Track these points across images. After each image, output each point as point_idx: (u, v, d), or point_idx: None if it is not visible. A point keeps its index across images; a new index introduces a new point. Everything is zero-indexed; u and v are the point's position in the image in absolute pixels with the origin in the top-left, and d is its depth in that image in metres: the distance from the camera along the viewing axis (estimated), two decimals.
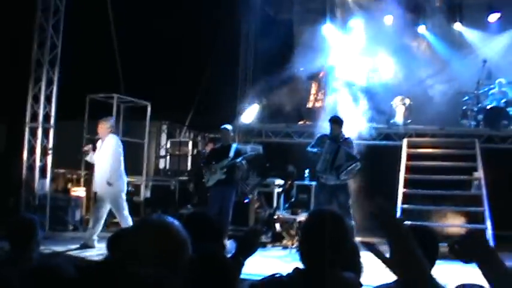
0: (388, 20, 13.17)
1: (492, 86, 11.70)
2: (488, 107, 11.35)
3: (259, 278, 2.65)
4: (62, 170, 12.00)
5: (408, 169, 10.25)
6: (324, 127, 9.75)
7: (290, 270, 2.54)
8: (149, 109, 12.25)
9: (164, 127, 15.11)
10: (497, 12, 12.88)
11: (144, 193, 12.09)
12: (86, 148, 8.88)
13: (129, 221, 8.34)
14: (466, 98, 11.86)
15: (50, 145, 10.16)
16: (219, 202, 8.80)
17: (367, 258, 3.44)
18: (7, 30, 11.78)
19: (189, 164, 13.26)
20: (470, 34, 13.26)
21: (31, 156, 10.02)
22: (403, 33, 12.73)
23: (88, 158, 8.87)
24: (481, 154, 10.22)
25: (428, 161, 10.50)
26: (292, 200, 10.73)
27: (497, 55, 12.46)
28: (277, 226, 9.82)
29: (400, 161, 10.40)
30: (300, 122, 12.93)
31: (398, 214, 9.32)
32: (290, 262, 5.83)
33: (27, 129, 10.06)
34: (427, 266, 1.75)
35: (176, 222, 1.67)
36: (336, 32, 13.29)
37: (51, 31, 10.07)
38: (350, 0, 13.48)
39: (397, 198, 9.62)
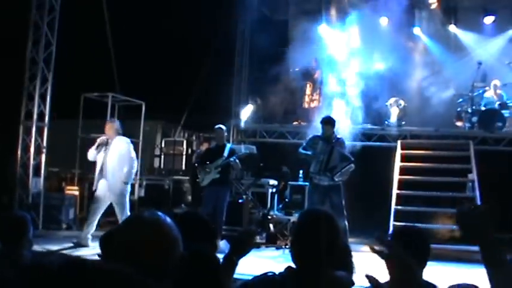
0: (384, 21, 13.22)
1: (487, 88, 11.76)
2: (482, 109, 11.40)
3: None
4: (56, 169, 11.96)
5: (402, 170, 10.27)
6: (318, 128, 9.75)
7: (283, 270, 2.54)
8: (144, 108, 12.23)
9: (159, 126, 15.10)
10: (492, 15, 12.94)
11: (138, 192, 12.05)
12: (100, 142, 8.58)
13: None
14: (461, 100, 11.91)
15: (44, 144, 10.13)
16: (213, 202, 8.79)
17: (359, 258, 3.47)
18: (1, 27, 11.72)
19: (183, 163, 13.26)
20: (465, 36, 13.32)
21: (25, 155, 10.00)
22: (398, 35, 12.74)
23: (91, 157, 8.68)
24: (475, 156, 10.25)
25: (423, 162, 10.50)
26: (286, 200, 10.72)
27: (492, 57, 12.52)
28: (271, 227, 9.81)
29: (394, 162, 10.42)
30: (294, 123, 12.94)
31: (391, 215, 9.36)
32: (283, 262, 5.82)
33: (21, 128, 10.04)
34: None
35: (168, 219, 1.67)
36: (331, 33, 13.31)
37: (46, 29, 10.05)
38: (346, 1, 13.50)
39: (391, 199, 9.64)
